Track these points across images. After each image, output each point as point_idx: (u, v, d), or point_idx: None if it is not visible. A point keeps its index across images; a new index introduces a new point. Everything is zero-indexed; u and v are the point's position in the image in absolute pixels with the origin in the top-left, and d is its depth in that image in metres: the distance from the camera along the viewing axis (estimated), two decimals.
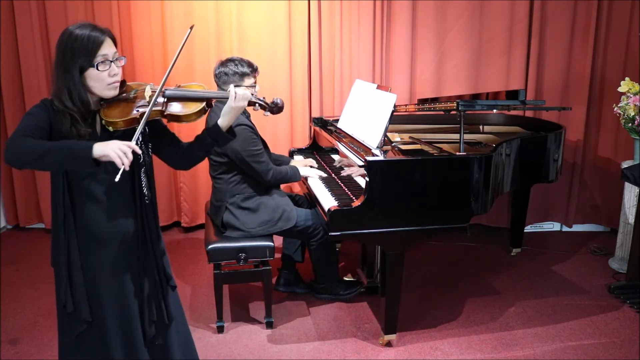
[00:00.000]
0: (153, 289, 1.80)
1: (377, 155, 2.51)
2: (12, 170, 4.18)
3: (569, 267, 3.61)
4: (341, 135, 3.12)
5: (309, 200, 3.14)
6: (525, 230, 3.88)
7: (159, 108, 1.71)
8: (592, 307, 3.06)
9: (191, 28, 1.79)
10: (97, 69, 1.60)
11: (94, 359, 1.77)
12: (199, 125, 2.13)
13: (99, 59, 1.60)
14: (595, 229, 4.28)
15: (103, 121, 1.67)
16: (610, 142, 4.01)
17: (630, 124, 3.33)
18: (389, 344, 2.69)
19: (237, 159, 2.74)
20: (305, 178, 3.06)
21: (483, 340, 2.73)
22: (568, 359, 2.58)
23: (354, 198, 2.64)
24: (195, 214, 4.25)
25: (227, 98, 1.80)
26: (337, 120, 3.31)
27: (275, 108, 1.95)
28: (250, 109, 1.99)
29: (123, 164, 1.48)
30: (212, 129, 1.80)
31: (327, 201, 2.66)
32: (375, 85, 2.97)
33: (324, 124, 3.58)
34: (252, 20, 3.89)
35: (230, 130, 1.83)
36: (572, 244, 4.02)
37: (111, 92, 1.66)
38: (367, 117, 2.87)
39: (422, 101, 3.66)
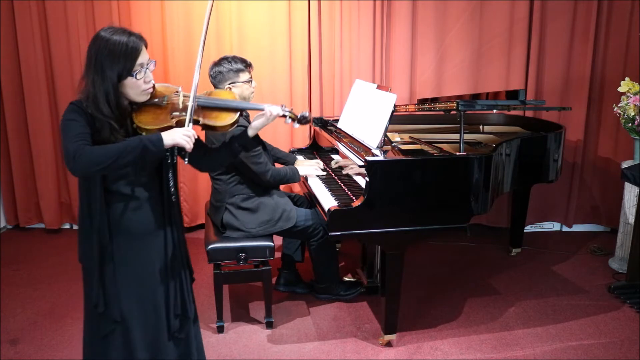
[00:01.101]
0: (178, 283, 1.86)
1: (377, 155, 2.51)
2: (12, 170, 4.18)
3: (569, 267, 3.61)
4: (341, 135, 3.12)
5: (309, 200, 3.14)
6: (525, 230, 3.88)
7: (195, 117, 1.76)
8: (592, 307, 3.06)
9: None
10: (136, 77, 1.65)
11: (119, 358, 1.81)
12: None
13: (137, 68, 1.65)
14: (595, 229, 4.28)
15: (135, 126, 1.71)
16: (610, 142, 4.01)
17: (630, 124, 3.33)
18: (389, 344, 2.69)
19: (236, 159, 2.74)
20: (306, 178, 3.06)
21: (483, 340, 2.73)
22: (568, 359, 2.58)
23: (354, 198, 2.64)
24: (195, 214, 4.25)
25: (260, 110, 1.97)
26: (337, 120, 3.30)
27: (303, 120, 2.06)
28: (281, 121, 2.09)
29: (190, 148, 1.64)
30: (241, 138, 1.98)
31: (327, 201, 2.66)
32: (375, 85, 2.97)
33: (324, 124, 3.58)
34: (252, 20, 3.89)
35: (256, 137, 2.02)
36: (572, 244, 4.02)
37: (145, 98, 1.72)
38: (367, 117, 2.86)
39: (422, 101, 3.66)
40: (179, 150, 1.70)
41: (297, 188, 4.03)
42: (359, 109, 3.03)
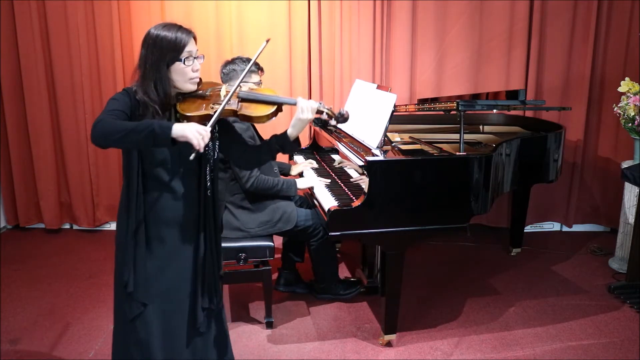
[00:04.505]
0: (208, 278, 1.88)
1: (377, 155, 2.51)
2: (12, 170, 4.18)
3: (569, 267, 3.61)
4: (341, 135, 3.12)
5: (309, 200, 3.14)
6: (525, 230, 3.88)
7: (234, 108, 1.84)
8: (592, 307, 3.06)
9: (267, 41, 1.88)
10: (184, 63, 1.74)
11: (137, 346, 1.83)
12: None
13: (185, 54, 1.74)
14: (595, 229, 4.28)
15: (178, 114, 1.79)
16: (610, 142, 4.01)
17: (630, 124, 3.33)
18: (389, 344, 2.69)
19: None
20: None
21: (483, 340, 2.73)
22: (568, 359, 2.58)
23: (354, 198, 2.64)
24: None
25: (296, 104, 1.89)
26: None
27: (341, 118, 2.00)
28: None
29: (199, 145, 1.61)
30: (279, 138, 1.93)
31: (327, 201, 2.66)
32: (375, 85, 2.97)
33: (324, 124, 3.58)
34: (252, 20, 3.89)
35: (296, 139, 1.95)
36: (572, 244, 4.02)
37: (191, 87, 1.80)
38: (367, 117, 2.86)
39: (422, 101, 3.66)
40: (188, 145, 1.66)
41: None
42: (359, 109, 3.03)
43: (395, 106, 2.67)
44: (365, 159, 2.44)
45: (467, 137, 3.26)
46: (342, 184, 2.90)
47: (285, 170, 3.27)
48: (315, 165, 3.27)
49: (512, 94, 3.11)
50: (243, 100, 1.88)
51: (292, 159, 3.58)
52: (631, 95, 3.31)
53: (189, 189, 1.83)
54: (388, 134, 2.86)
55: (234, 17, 3.87)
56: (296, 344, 2.72)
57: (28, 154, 4.17)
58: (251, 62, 1.91)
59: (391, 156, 2.55)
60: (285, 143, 1.92)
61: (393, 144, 2.88)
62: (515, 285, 3.35)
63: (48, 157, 4.14)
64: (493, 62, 3.94)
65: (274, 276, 3.20)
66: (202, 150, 1.63)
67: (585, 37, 3.85)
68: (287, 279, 3.20)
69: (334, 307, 3.06)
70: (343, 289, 3.13)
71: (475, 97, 3.40)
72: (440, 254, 3.85)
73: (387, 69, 4.03)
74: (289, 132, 1.91)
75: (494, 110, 3.72)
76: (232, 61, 2.83)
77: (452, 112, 3.11)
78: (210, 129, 1.67)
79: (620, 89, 3.38)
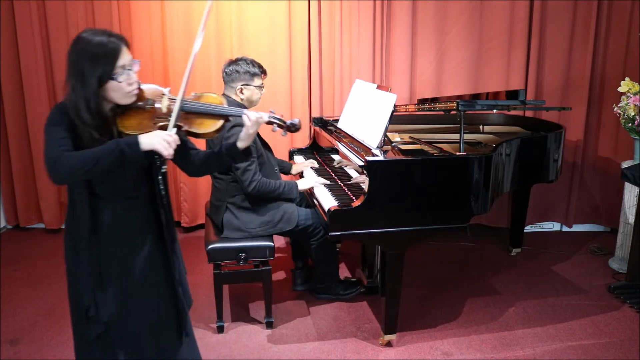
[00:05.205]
0: (173, 289, 1.83)
1: (377, 155, 2.51)
2: (12, 170, 4.18)
3: (569, 267, 3.61)
4: (341, 135, 3.12)
5: (309, 200, 3.13)
6: (525, 230, 3.88)
7: (179, 123, 1.71)
8: (592, 307, 3.06)
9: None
10: (117, 80, 1.59)
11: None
12: None
13: (118, 70, 1.58)
14: (595, 229, 4.28)
15: (119, 130, 1.66)
16: (610, 142, 4.01)
17: (630, 124, 3.33)
18: (389, 344, 2.69)
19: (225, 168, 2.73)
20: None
21: (483, 340, 2.73)
22: (568, 359, 2.58)
23: (354, 198, 2.64)
24: (195, 214, 4.25)
25: (241, 116, 1.82)
26: (337, 120, 3.31)
27: (292, 128, 1.95)
28: (269, 128, 1.97)
29: (169, 154, 1.56)
30: (230, 149, 1.86)
31: (327, 201, 2.66)
32: (375, 85, 2.97)
33: (324, 124, 3.58)
34: (252, 20, 3.89)
35: (247, 149, 1.88)
36: (572, 244, 4.02)
37: (130, 100, 1.66)
38: (367, 117, 2.87)
39: (422, 101, 3.66)
40: (157, 155, 1.61)
41: None
42: (359, 109, 3.03)
43: (395, 106, 2.67)
44: (365, 159, 2.43)
45: (467, 137, 3.26)
46: (342, 184, 2.90)
47: (285, 169, 3.27)
48: (316, 165, 3.28)
49: (512, 94, 3.11)
50: (188, 113, 1.75)
51: (292, 158, 3.58)
52: (631, 95, 3.31)
53: (140, 200, 1.75)
54: (388, 134, 2.86)
55: (234, 17, 3.87)
56: (296, 344, 2.72)
57: (28, 154, 4.17)
58: (201, 27, 1.74)
59: (391, 156, 2.55)
60: (236, 154, 1.87)
61: (393, 144, 2.88)
62: (515, 285, 3.35)
63: None
64: (493, 62, 3.94)
65: (274, 276, 3.20)
66: (171, 158, 1.59)
67: (585, 37, 3.85)
68: (303, 277, 3.20)
69: (334, 307, 3.06)
70: (343, 289, 3.13)
71: (475, 97, 3.40)
72: (440, 254, 3.85)
73: (387, 69, 4.03)
74: (238, 144, 1.85)
75: (494, 110, 3.72)
76: (235, 61, 2.81)
77: (452, 112, 3.11)
78: (174, 133, 1.59)
79: (620, 89, 3.38)
